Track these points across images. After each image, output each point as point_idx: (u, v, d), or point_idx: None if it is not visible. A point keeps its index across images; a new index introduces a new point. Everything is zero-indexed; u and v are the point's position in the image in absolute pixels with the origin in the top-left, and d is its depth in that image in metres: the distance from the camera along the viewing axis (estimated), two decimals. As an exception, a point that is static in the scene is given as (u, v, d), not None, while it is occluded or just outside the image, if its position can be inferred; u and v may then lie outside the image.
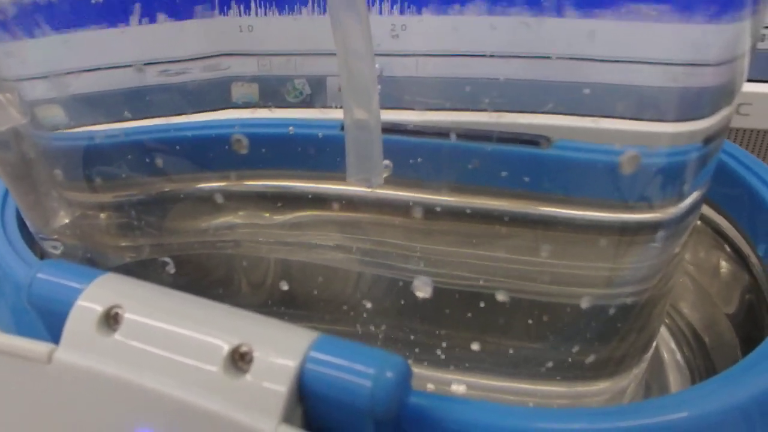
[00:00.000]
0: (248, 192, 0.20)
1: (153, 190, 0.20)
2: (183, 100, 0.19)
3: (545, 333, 0.18)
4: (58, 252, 0.20)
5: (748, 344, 0.20)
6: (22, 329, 0.17)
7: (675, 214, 0.16)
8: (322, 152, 0.19)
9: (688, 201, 0.16)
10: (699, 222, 0.22)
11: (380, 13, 0.17)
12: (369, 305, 0.19)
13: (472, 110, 0.16)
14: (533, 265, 0.17)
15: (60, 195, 0.19)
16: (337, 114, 0.17)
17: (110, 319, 0.13)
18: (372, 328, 0.19)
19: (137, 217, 0.20)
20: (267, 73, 0.20)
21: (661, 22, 0.14)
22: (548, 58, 0.15)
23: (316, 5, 0.18)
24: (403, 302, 0.18)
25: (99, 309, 0.13)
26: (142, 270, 0.20)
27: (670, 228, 0.16)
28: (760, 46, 0.33)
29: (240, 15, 0.18)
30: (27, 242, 0.19)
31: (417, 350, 0.19)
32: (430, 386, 0.19)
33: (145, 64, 0.18)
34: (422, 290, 0.17)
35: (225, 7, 0.18)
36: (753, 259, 0.21)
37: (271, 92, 0.20)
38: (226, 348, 0.12)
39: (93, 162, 0.19)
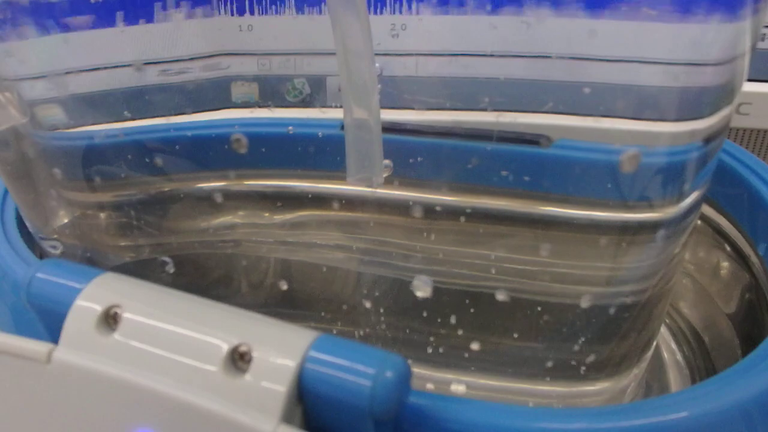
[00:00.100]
0: (248, 191, 0.20)
1: (153, 189, 0.20)
2: (183, 100, 0.19)
3: (545, 332, 0.18)
4: (57, 252, 0.20)
5: (749, 344, 0.20)
6: (22, 329, 0.17)
7: (675, 214, 0.16)
8: (322, 152, 0.19)
9: (689, 200, 0.16)
10: (699, 221, 0.22)
11: (380, 12, 0.17)
12: (369, 305, 0.19)
13: (472, 110, 0.16)
14: (533, 264, 0.17)
15: (59, 194, 0.19)
16: (337, 113, 0.17)
17: (109, 319, 0.13)
18: (372, 327, 0.19)
19: (137, 216, 0.20)
20: (267, 73, 0.20)
21: (662, 21, 0.14)
22: (548, 57, 0.15)
23: (316, 5, 0.18)
24: (403, 302, 0.18)
25: (98, 308, 0.13)
26: (142, 269, 0.20)
27: (670, 227, 0.16)
28: (760, 45, 0.33)
29: (240, 14, 0.18)
30: (26, 242, 0.19)
31: (417, 350, 0.19)
32: (430, 386, 0.19)
33: (145, 64, 0.18)
34: (422, 290, 0.17)
35: (225, 7, 0.18)
36: (753, 259, 0.20)
37: (271, 92, 0.20)
38: (225, 348, 0.12)
39: (92, 161, 0.19)
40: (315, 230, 0.20)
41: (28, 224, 0.20)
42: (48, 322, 0.13)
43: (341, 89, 0.15)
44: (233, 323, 0.12)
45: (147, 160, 0.19)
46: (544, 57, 0.15)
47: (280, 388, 0.11)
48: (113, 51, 0.18)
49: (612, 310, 0.17)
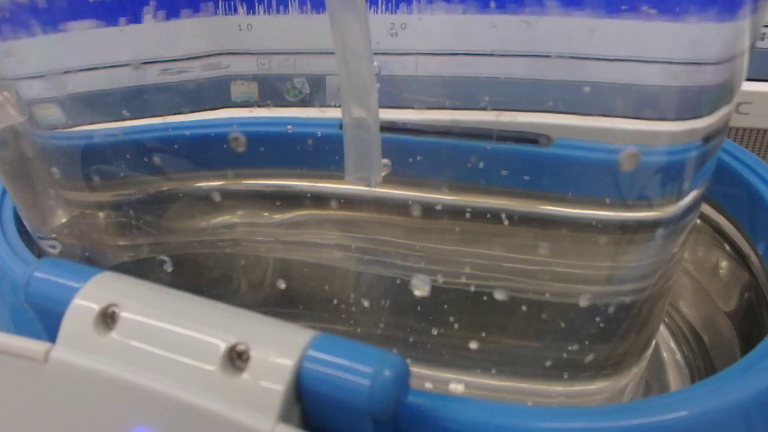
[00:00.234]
0: (247, 191, 0.20)
1: (151, 189, 0.20)
2: (182, 99, 0.19)
3: (544, 331, 0.18)
4: (55, 251, 0.20)
5: (748, 343, 0.20)
6: (20, 328, 0.17)
7: (674, 213, 0.16)
8: (321, 151, 0.19)
9: (688, 199, 0.16)
10: (699, 221, 0.22)
11: (379, 11, 0.17)
12: (367, 304, 0.19)
13: (472, 109, 0.16)
14: (532, 263, 0.17)
15: (58, 194, 0.19)
16: (336, 113, 0.17)
17: (107, 318, 0.13)
18: (370, 326, 0.19)
19: (135, 216, 0.20)
20: (266, 72, 0.20)
21: (661, 20, 0.14)
22: (548, 56, 0.15)
23: (315, 4, 0.18)
24: (401, 301, 0.18)
25: (96, 307, 0.13)
26: (140, 269, 0.20)
27: (670, 226, 0.16)
28: (760, 45, 0.33)
29: (239, 14, 0.18)
30: (25, 241, 0.19)
31: (415, 349, 0.19)
32: (429, 385, 0.19)
33: (145, 63, 0.18)
34: (420, 289, 0.17)
35: (224, 6, 0.18)
36: (753, 258, 0.20)
37: (271, 91, 0.20)
38: (223, 347, 0.12)
39: (91, 161, 0.19)
40: (314, 229, 0.20)
41: (26, 224, 0.20)
42: (46, 321, 0.13)
43: (340, 88, 0.15)
44: (231, 322, 0.12)
45: (146, 159, 0.19)
46: (543, 56, 0.15)
47: (278, 387, 0.11)
48: (112, 50, 0.18)
49: (611, 310, 0.17)
